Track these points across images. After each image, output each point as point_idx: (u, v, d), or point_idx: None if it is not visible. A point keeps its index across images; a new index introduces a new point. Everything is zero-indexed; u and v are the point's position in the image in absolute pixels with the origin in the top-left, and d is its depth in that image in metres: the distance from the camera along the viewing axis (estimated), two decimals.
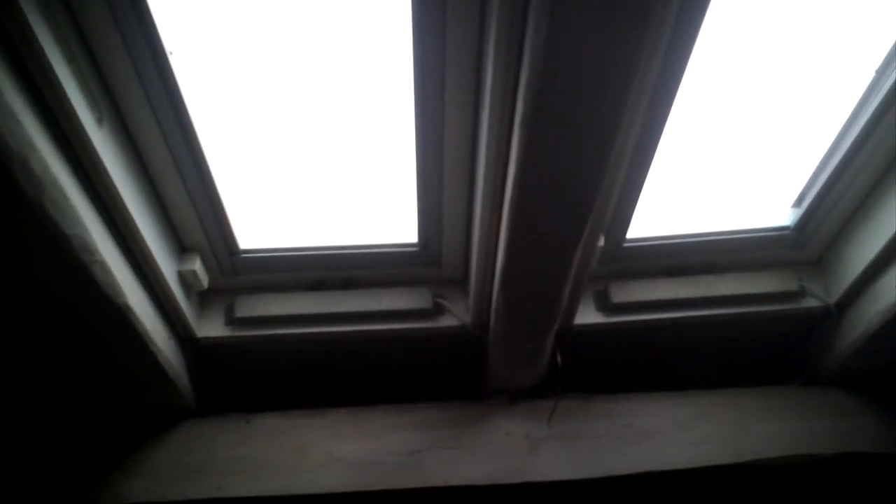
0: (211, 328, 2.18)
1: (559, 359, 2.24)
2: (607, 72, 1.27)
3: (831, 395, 2.45)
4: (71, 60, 1.44)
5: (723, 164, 2.06)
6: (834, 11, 1.68)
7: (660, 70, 1.59)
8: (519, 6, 1.30)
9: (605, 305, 2.24)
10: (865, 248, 2.11)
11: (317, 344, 2.22)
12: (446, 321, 2.22)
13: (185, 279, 2.03)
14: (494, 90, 1.48)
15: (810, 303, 2.28)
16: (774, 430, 2.38)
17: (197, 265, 2.02)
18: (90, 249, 1.60)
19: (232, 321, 2.16)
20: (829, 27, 1.71)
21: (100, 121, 1.56)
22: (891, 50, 1.76)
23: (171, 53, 1.53)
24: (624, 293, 2.23)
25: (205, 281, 2.08)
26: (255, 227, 2.10)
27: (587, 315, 2.24)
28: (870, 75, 1.82)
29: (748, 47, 1.74)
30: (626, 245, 2.17)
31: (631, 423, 2.39)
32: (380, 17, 1.56)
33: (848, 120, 1.94)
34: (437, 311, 2.22)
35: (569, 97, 1.32)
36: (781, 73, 1.82)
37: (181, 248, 2.04)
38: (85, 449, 2.26)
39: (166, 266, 1.93)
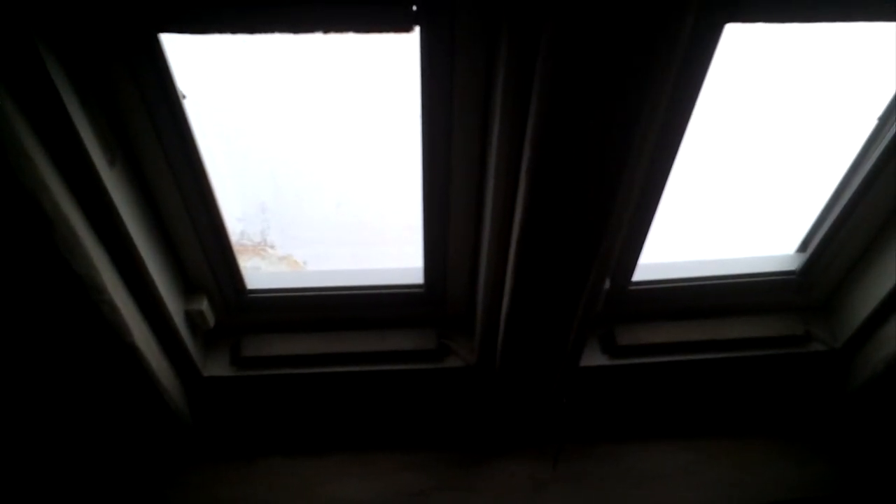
0: (216, 367, 2.17)
1: (564, 400, 2.23)
2: (611, 123, 1.30)
3: (835, 439, 2.44)
4: (85, 102, 1.46)
5: (728, 209, 2.07)
6: (835, 61, 1.71)
7: (665, 118, 1.61)
8: (525, 58, 1.32)
9: (610, 348, 2.24)
10: (871, 293, 2.11)
11: (322, 384, 2.22)
12: (451, 362, 2.22)
13: (192, 319, 2.04)
14: (501, 136, 1.49)
15: (816, 347, 2.27)
16: (778, 476, 2.37)
17: (204, 305, 2.03)
18: (99, 289, 1.61)
19: (238, 361, 2.16)
20: (832, 76, 1.74)
21: (112, 161, 1.57)
22: (892, 98, 1.78)
23: (184, 97, 1.55)
24: (629, 336, 2.23)
25: (211, 320, 2.08)
26: (262, 266, 2.11)
27: (593, 357, 2.23)
28: (872, 122, 1.84)
29: (754, 94, 1.76)
30: (631, 288, 2.18)
31: (635, 466, 2.38)
32: (389, 65, 1.58)
33: (852, 165, 1.96)
34: (442, 351, 2.21)
35: (573, 146, 1.34)
36: (786, 119, 1.84)
37: (189, 287, 2.04)
38: (89, 491, 2.25)
39: (173, 305, 1.94)
